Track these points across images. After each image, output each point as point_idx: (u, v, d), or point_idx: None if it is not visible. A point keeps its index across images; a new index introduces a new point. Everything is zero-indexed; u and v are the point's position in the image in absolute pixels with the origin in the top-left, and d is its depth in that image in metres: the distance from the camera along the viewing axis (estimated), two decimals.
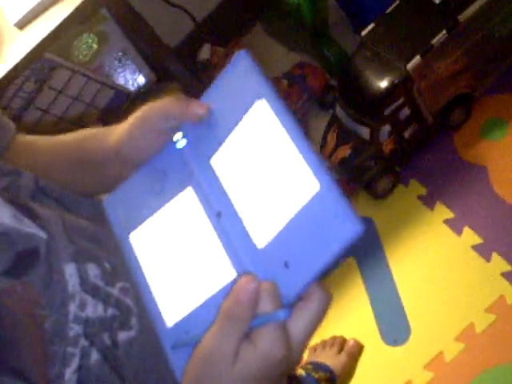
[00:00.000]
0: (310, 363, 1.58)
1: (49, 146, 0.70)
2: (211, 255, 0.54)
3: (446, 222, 1.64)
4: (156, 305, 0.56)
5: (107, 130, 0.65)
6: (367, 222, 1.70)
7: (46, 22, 1.41)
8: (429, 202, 1.69)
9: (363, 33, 1.64)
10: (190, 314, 0.54)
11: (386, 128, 1.62)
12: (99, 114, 1.80)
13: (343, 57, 1.84)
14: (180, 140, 0.58)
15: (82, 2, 1.38)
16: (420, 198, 1.70)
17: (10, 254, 0.54)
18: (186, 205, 0.56)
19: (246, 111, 0.53)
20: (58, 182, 0.67)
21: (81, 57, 1.77)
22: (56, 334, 0.55)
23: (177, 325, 0.54)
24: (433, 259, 1.62)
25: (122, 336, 0.59)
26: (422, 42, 1.54)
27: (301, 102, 1.88)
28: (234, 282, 0.51)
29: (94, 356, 0.57)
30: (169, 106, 0.59)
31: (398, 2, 1.65)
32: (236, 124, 0.54)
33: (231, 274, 0.52)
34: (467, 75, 1.61)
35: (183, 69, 1.91)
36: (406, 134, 1.65)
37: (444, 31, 1.52)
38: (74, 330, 0.56)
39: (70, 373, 0.55)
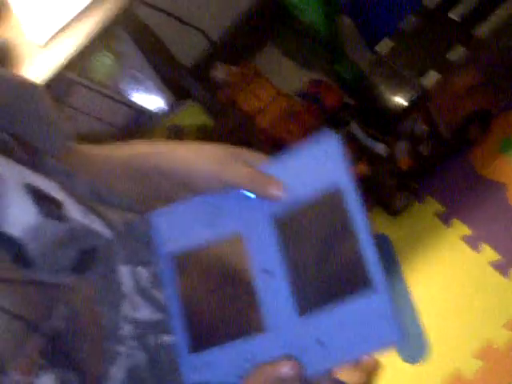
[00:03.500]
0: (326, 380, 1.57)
1: (104, 156, 0.71)
2: (246, 304, 0.56)
3: (464, 238, 1.64)
4: (181, 327, 0.57)
5: (168, 150, 0.65)
6: (383, 239, 1.70)
7: (68, 41, 1.43)
8: (446, 218, 1.69)
9: (378, 48, 1.65)
10: (212, 350, 0.56)
11: (403, 144, 1.63)
12: (117, 132, 1.81)
13: (358, 73, 1.86)
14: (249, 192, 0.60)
15: (103, 25, 1.40)
16: (437, 214, 1.70)
17: (75, 252, 0.56)
18: (232, 248, 0.58)
19: (321, 190, 0.56)
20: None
21: (98, 75, 1.79)
22: (109, 332, 0.56)
23: (197, 356, 0.56)
24: (450, 276, 1.62)
25: (166, 339, 0.60)
26: (438, 58, 1.55)
27: (315, 119, 1.89)
28: (262, 340, 0.54)
29: (140, 356, 0.58)
30: (245, 178, 0.59)
31: (413, 18, 1.66)
32: (309, 198, 0.56)
33: (260, 328, 0.55)
34: (485, 91, 1.61)
35: (200, 88, 1.93)
36: (423, 151, 1.65)
37: (461, 47, 1.53)
38: (125, 329, 0.58)
39: (116, 371, 0.56)
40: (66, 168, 0.65)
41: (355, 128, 1.70)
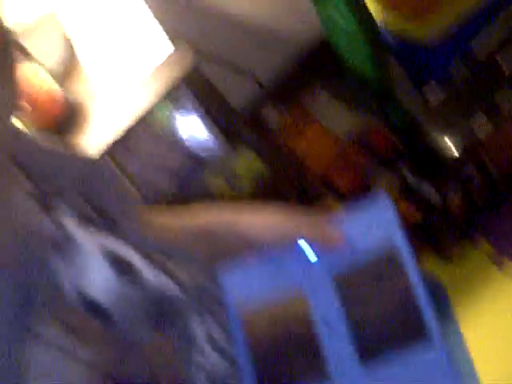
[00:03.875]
0: None
1: (180, 226, 0.77)
2: (310, 356, 0.60)
3: None
4: (250, 379, 0.61)
5: (241, 218, 0.72)
6: (436, 285, 1.72)
7: (137, 97, 1.51)
8: (499, 261, 1.70)
9: (428, 93, 1.68)
10: None
11: (454, 189, 1.65)
12: (174, 179, 1.87)
13: (408, 117, 1.88)
14: (310, 254, 0.64)
15: (166, 85, 1.47)
16: (490, 258, 1.71)
17: (152, 308, 0.62)
18: (295, 305, 0.62)
19: (376, 248, 0.60)
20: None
21: (158, 124, 1.86)
22: (184, 381, 0.62)
23: None
24: (504, 321, 1.62)
25: None
26: (489, 106, 1.58)
27: (367, 165, 1.92)
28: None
29: None
30: (309, 229, 0.65)
31: (461, 64, 1.69)
32: (365, 255, 0.61)
33: (324, 378, 0.59)
34: None
35: (252, 133, 1.98)
36: (475, 195, 1.67)
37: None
38: (200, 380, 0.63)
39: None
40: (138, 231, 0.71)
41: (406, 172, 1.73)
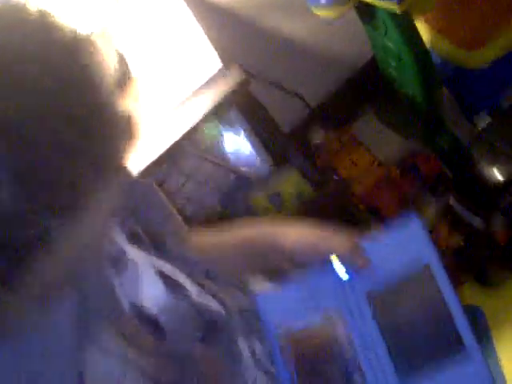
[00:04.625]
0: None
1: (220, 242, 0.80)
2: (349, 372, 0.62)
3: None
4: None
5: (278, 230, 0.74)
6: (476, 310, 1.70)
7: (185, 115, 1.53)
8: None
9: (478, 123, 1.68)
10: None
11: (501, 218, 1.64)
12: (218, 195, 1.90)
13: (457, 145, 1.88)
14: (340, 270, 0.67)
15: (215, 103, 1.50)
16: None
17: (200, 325, 0.65)
18: (334, 327, 0.64)
19: (410, 266, 0.63)
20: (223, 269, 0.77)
21: (206, 141, 1.89)
22: None
23: None
24: None
25: None
26: None
27: (413, 190, 1.93)
28: None
29: None
30: (340, 252, 0.67)
31: None
32: (399, 274, 0.63)
33: None
34: None
35: (299, 155, 2.00)
36: None
37: None
38: None
39: None
40: (184, 254, 0.74)
41: (452, 200, 1.72)
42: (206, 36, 1.63)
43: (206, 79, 1.56)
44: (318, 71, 2.17)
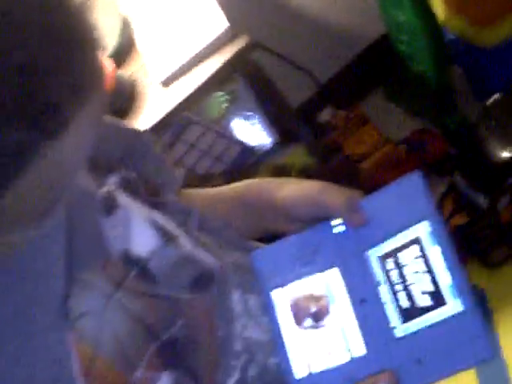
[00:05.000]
0: None
1: (210, 194, 0.79)
2: (346, 330, 0.62)
3: None
4: (287, 356, 0.63)
5: (273, 184, 0.73)
6: (479, 292, 1.70)
7: (189, 82, 1.53)
8: None
9: (488, 102, 1.66)
10: (316, 374, 0.62)
11: (505, 198, 1.63)
12: (225, 167, 1.90)
13: (465, 124, 1.87)
14: (338, 226, 0.66)
15: (221, 67, 1.49)
16: None
17: (192, 273, 0.65)
18: (329, 282, 0.64)
19: (408, 226, 0.62)
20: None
21: (212, 113, 1.89)
22: (224, 346, 0.64)
23: (304, 380, 0.62)
24: None
25: (273, 361, 0.67)
26: None
27: (418, 167, 1.91)
28: (363, 361, 0.60)
29: (252, 372, 0.66)
30: (336, 205, 0.66)
31: None
32: (397, 232, 0.62)
33: (362, 351, 0.61)
34: None
35: (306, 131, 1.99)
36: None
37: None
38: (238, 345, 0.65)
39: (230, 383, 0.63)
40: (179, 205, 0.74)
41: (458, 179, 1.71)
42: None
43: (213, 38, 1.53)
44: (328, 46, 2.15)
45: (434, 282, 0.59)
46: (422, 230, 0.61)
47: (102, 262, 0.61)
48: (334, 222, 0.66)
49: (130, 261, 0.62)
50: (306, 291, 0.65)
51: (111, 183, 0.66)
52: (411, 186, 0.62)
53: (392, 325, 0.61)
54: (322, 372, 0.62)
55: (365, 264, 0.63)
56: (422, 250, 0.61)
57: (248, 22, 1.88)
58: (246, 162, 1.88)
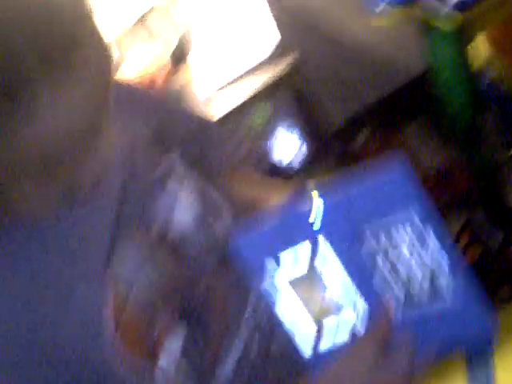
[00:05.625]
0: None
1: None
2: (342, 293, 0.66)
3: None
4: (295, 330, 0.69)
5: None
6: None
7: (233, 96, 1.62)
8: None
9: None
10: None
11: None
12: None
13: (490, 165, 1.93)
14: (315, 220, 0.66)
15: (268, 80, 1.57)
16: None
17: (221, 252, 0.76)
18: (321, 262, 0.67)
19: (398, 211, 0.62)
20: None
21: (254, 122, 1.96)
22: (235, 314, 0.75)
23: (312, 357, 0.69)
24: None
25: (275, 346, 0.76)
26: None
27: (443, 199, 2.00)
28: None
29: (255, 345, 0.76)
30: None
31: None
32: (384, 217, 0.63)
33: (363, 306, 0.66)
34: None
35: (340, 148, 2.06)
36: None
37: None
38: (246, 324, 0.75)
39: (231, 359, 0.74)
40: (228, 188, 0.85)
41: (477, 213, 1.79)
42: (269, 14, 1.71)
43: (263, 57, 1.62)
44: (376, 72, 2.23)
45: (429, 269, 0.61)
46: (412, 214, 0.61)
47: (146, 228, 0.71)
48: (312, 218, 0.66)
49: (167, 235, 0.72)
50: (296, 271, 0.68)
51: (172, 159, 0.77)
52: (395, 173, 0.62)
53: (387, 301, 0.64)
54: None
55: (356, 249, 0.64)
56: (414, 233, 0.62)
57: (300, 39, 1.98)
58: (275, 175, 1.95)
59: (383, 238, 0.63)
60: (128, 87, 0.87)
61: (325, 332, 0.68)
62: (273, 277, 0.69)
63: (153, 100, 0.87)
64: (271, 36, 1.68)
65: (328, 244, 0.66)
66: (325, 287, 0.67)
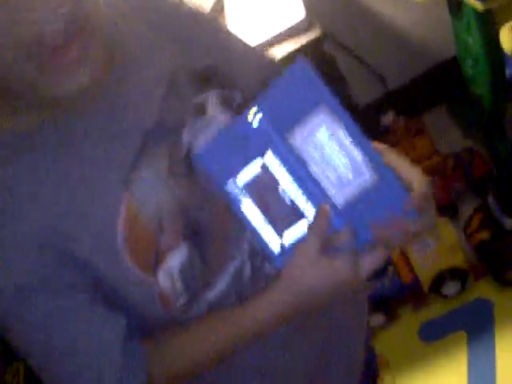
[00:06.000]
0: None
1: None
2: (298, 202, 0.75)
3: None
4: (262, 238, 0.76)
5: None
6: (486, 303, 1.81)
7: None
8: None
9: None
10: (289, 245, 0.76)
11: None
12: None
13: (510, 152, 1.97)
14: (255, 114, 0.74)
15: (293, 53, 1.62)
16: None
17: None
18: (269, 164, 0.74)
19: (311, 110, 0.71)
20: None
21: None
22: (233, 239, 0.80)
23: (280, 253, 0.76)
24: None
25: (267, 266, 0.82)
26: None
27: (459, 183, 2.03)
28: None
29: (247, 270, 0.81)
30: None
31: None
32: (305, 114, 0.71)
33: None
34: None
35: (368, 129, 2.11)
36: None
37: None
38: (243, 245, 0.81)
39: (230, 270, 0.79)
40: None
41: (490, 198, 1.83)
42: None
43: (289, 26, 1.66)
44: (402, 56, 2.27)
45: (349, 158, 0.70)
46: (323, 112, 0.70)
47: (170, 150, 0.76)
48: (251, 116, 0.74)
49: (188, 160, 0.77)
50: (252, 177, 0.75)
51: (211, 94, 0.81)
52: (301, 73, 0.70)
53: (331, 196, 0.72)
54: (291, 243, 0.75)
55: (289, 145, 0.72)
56: (329, 130, 0.70)
57: (328, 16, 2.02)
58: None
59: (307, 140, 0.72)
60: None
61: (286, 239, 0.76)
62: (233, 185, 0.76)
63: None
64: (297, 10, 1.72)
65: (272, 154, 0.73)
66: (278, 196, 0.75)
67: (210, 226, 0.79)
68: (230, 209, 0.77)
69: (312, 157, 0.73)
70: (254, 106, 0.74)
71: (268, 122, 0.73)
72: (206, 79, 0.83)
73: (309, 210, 0.75)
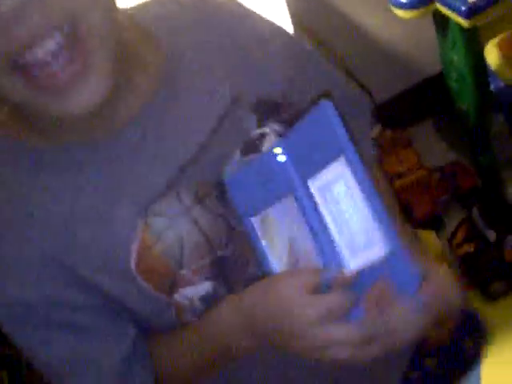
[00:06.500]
0: None
1: None
2: (307, 250, 0.71)
3: None
4: (271, 269, 0.74)
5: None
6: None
7: None
8: None
9: None
10: None
11: None
12: None
13: (494, 167, 2.00)
14: (280, 155, 0.71)
15: None
16: None
17: None
18: (290, 208, 0.71)
19: (331, 160, 0.67)
20: None
21: None
22: (255, 271, 0.76)
23: None
24: None
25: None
26: None
27: (444, 196, 2.06)
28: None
29: None
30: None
31: None
32: (326, 163, 0.67)
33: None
34: None
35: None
36: None
37: None
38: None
39: None
40: None
41: (475, 211, 1.85)
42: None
43: None
44: (390, 71, 2.30)
45: (363, 221, 0.65)
46: (342, 165, 0.65)
47: (197, 182, 0.72)
48: (276, 151, 0.71)
49: (218, 184, 0.73)
50: (275, 215, 0.72)
51: (270, 128, 0.76)
52: (325, 117, 0.65)
53: (343, 254, 0.68)
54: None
55: (310, 195, 0.69)
56: (346, 186, 0.66)
57: (314, 30, 2.04)
58: None
59: (325, 191, 0.68)
60: None
61: None
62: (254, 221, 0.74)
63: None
64: (284, 23, 1.73)
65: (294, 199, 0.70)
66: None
67: (235, 262, 0.75)
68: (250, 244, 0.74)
69: (330, 210, 0.68)
70: (277, 146, 0.71)
71: (291, 165, 0.70)
72: (269, 111, 0.77)
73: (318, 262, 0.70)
